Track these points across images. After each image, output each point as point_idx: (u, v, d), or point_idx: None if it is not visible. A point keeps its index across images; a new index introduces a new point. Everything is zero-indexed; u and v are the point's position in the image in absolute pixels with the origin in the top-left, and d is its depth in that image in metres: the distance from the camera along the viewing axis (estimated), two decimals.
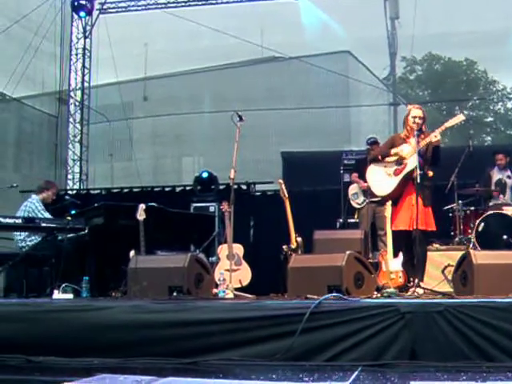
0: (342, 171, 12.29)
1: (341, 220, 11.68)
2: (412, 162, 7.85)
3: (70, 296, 7.91)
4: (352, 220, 11.51)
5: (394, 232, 8.30)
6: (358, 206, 11.16)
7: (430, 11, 25.22)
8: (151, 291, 7.30)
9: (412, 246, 7.89)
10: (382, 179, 8.21)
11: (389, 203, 8.37)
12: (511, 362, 5.44)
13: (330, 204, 12.23)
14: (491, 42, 26.02)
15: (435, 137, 7.86)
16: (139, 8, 18.25)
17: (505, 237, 9.80)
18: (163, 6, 18.01)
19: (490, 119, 36.55)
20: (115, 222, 9.70)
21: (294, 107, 21.53)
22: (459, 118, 8.05)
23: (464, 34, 26.33)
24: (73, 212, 9.96)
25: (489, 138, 35.82)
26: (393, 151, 8.12)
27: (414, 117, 8.05)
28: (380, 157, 8.26)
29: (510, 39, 25.58)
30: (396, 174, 8.07)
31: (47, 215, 9.74)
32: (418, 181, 7.61)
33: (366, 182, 10.23)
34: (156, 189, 15.36)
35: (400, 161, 8.05)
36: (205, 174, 13.84)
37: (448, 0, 26.04)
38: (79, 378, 5.11)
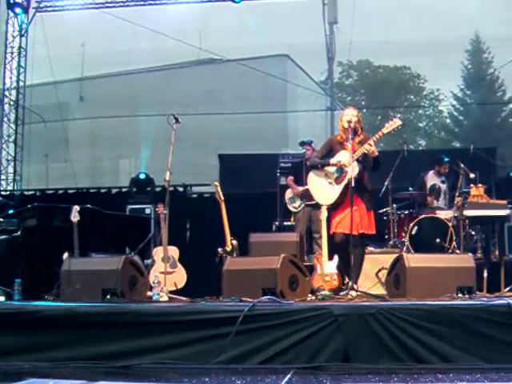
0: (278, 174, 12.32)
1: (277, 223, 11.71)
2: (352, 170, 7.89)
3: (2, 299, 7.77)
4: (288, 223, 11.53)
5: (331, 235, 8.33)
6: (295, 210, 11.18)
7: (367, 18, 25.53)
8: (84, 294, 7.21)
9: (349, 249, 7.93)
10: (324, 188, 8.24)
11: (324, 207, 8.41)
12: (441, 363, 5.54)
13: (266, 207, 12.24)
14: (425, 50, 26.49)
15: (369, 145, 7.90)
16: (76, 7, 17.98)
17: (438, 240, 9.94)
18: (101, 5, 17.80)
19: (423, 123, 37.12)
20: (49, 223, 9.58)
21: (232, 111, 21.53)
22: (396, 123, 8.09)
23: (399, 43, 26.73)
24: (7, 213, 9.79)
25: (423, 142, 36.36)
26: (333, 162, 8.14)
27: (347, 116, 8.13)
28: (320, 166, 8.29)
29: (443, 47, 26.07)
30: (338, 182, 8.10)
31: None
32: (353, 184, 7.69)
33: (302, 185, 10.32)
34: (91, 190, 15.20)
35: (341, 169, 8.08)
36: (142, 176, 13.79)
37: (385, 8, 26.39)
38: (9, 382, 5.04)
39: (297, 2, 16.28)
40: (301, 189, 10.69)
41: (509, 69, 23.03)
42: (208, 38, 23.24)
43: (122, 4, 17.54)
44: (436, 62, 28.43)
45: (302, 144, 11.19)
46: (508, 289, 8.35)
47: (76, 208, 8.78)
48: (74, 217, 8.72)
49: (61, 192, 15.15)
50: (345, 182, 8.01)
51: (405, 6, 25.57)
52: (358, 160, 7.97)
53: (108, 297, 7.13)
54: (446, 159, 11.33)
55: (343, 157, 8.08)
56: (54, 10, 17.85)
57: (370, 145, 7.91)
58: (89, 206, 9.96)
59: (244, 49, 23.13)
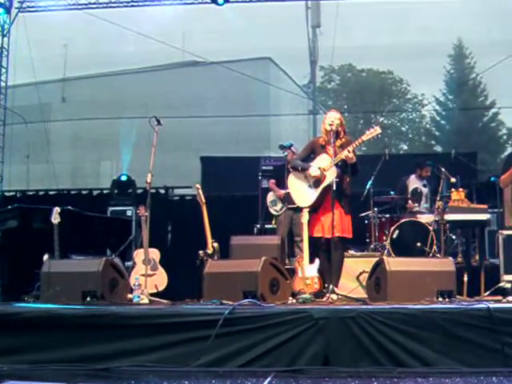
0: (260, 177, 12.34)
1: (258, 226, 11.72)
2: (331, 175, 7.92)
3: None
4: (269, 226, 11.54)
5: (311, 238, 8.35)
6: (276, 213, 11.17)
7: (351, 23, 25.63)
8: (65, 296, 7.16)
9: (330, 253, 7.95)
10: (303, 190, 8.27)
11: (305, 210, 8.42)
12: (421, 367, 5.55)
13: (247, 209, 12.27)
14: (408, 55, 26.60)
15: (348, 152, 7.92)
16: (59, 8, 17.88)
17: (418, 244, 9.98)
18: (84, 6, 17.70)
19: (405, 127, 37.31)
20: (29, 225, 9.55)
21: (215, 113, 21.52)
22: (376, 131, 8.12)
23: (382, 47, 26.84)
24: None
25: (405, 147, 36.55)
26: (313, 170, 8.14)
27: (329, 119, 8.15)
28: (300, 169, 8.29)
29: (426, 52, 26.23)
30: (317, 185, 8.13)
31: None
32: (334, 188, 7.71)
33: (284, 188, 10.32)
34: (73, 192, 15.16)
35: (320, 172, 8.09)
36: (124, 178, 13.77)
37: (368, 13, 26.50)
38: None
39: (280, 5, 16.26)
40: (283, 192, 10.68)
41: (491, 74, 23.20)
42: (192, 41, 23.25)
43: (105, 5, 17.47)
44: (419, 67, 28.60)
45: (282, 148, 11.16)
46: (488, 293, 8.39)
47: (57, 209, 8.74)
48: (55, 218, 8.68)
49: (42, 193, 15.11)
50: (323, 185, 8.04)
51: (388, 11, 25.68)
52: (337, 164, 7.99)
53: (88, 299, 7.09)
54: (428, 162, 11.40)
55: (323, 160, 8.10)
56: (36, 11, 17.72)
57: (349, 151, 7.94)
58: (70, 207, 9.93)
59: (227, 52, 23.15)
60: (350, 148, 7.95)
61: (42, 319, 6.13)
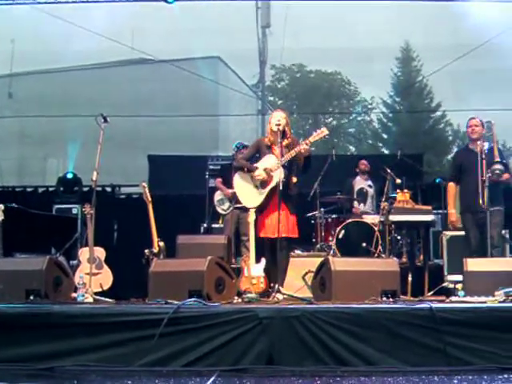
0: (207, 176, 12.34)
1: (205, 225, 11.70)
2: (278, 175, 7.92)
3: None
4: (216, 225, 11.55)
5: (258, 238, 8.36)
6: (224, 212, 11.17)
7: (300, 24, 25.77)
8: (8, 294, 7.06)
9: (275, 253, 7.97)
10: (249, 191, 8.26)
11: (252, 209, 8.42)
12: (364, 366, 5.60)
13: (194, 208, 12.25)
14: (356, 57, 26.83)
15: (306, 144, 7.93)
16: (6, 2, 17.63)
17: (364, 244, 10.09)
18: (32, 1, 17.46)
19: (353, 129, 37.62)
20: None
21: (163, 112, 21.42)
22: (323, 133, 8.13)
23: (331, 49, 27.02)
24: None
25: (352, 148, 36.85)
26: (259, 173, 8.14)
27: (276, 118, 8.16)
28: (246, 170, 8.28)
29: (374, 55, 26.53)
30: (263, 186, 8.13)
31: None
32: (281, 188, 7.72)
33: (231, 187, 10.31)
34: (18, 189, 14.95)
35: (267, 173, 8.10)
36: (69, 175, 13.65)
37: (318, 15, 26.64)
38: None
39: (230, 5, 16.28)
40: (231, 191, 10.67)
41: (436, 77, 23.57)
42: (141, 39, 23.12)
43: (53, 1, 17.27)
44: (366, 70, 28.86)
45: (237, 148, 11.03)
46: (432, 293, 8.52)
47: (0, 207, 8.63)
48: None
49: None
50: (270, 186, 8.05)
51: (337, 13, 25.83)
52: (284, 165, 8.00)
53: (31, 298, 7.00)
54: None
55: (269, 161, 8.12)
56: None
57: (305, 146, 7.93)
58: (14, 204, 9.80)
59: (177, 50, 23.07)
60: (303, 145, 7.94)
61: None
